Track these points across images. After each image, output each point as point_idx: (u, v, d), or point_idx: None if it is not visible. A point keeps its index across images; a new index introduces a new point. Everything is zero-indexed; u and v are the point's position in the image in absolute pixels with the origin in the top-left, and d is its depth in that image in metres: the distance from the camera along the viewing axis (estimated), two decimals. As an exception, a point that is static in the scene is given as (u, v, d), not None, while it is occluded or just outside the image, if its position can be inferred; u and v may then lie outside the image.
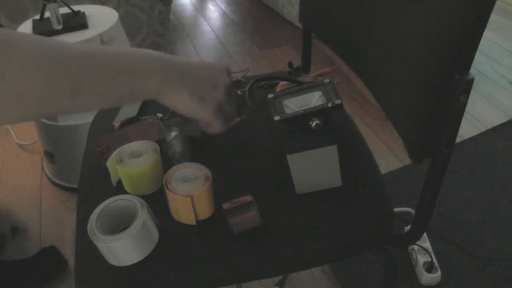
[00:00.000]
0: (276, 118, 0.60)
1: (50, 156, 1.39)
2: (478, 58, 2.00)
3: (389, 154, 1.51)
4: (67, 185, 1.43)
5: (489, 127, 1.58)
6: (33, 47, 0.39)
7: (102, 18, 1.30)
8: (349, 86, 1.84)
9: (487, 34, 2.19)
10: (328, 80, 0.65)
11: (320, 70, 0.86)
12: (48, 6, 1.16)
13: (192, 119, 0.54)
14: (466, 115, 1.65)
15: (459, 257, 1.14)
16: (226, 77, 0.54)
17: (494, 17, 2.32)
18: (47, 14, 1.26)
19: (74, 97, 0.41)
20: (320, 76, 0.84)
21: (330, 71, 0.86)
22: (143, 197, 0.61)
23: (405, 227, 1.19)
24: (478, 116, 1.64)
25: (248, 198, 0.61)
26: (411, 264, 1.13)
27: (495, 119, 1.63)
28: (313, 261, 0.61)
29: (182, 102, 0.49)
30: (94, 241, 0.54)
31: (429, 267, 1.07)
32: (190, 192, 0.58)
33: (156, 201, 0.65)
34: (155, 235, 0.60)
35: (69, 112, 0.43)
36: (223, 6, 2.67)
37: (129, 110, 0.84)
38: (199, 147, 0.75)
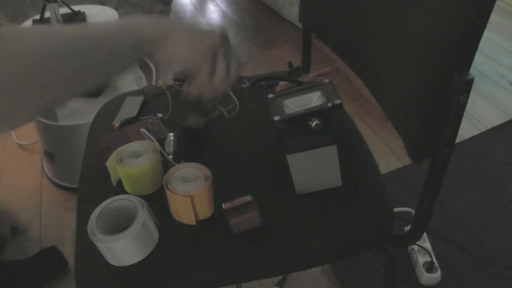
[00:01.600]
0: (276, 118, 0.60)
1: (50, 156, 1.39)
2: (478, 58, 1.99)
3: (389, 154, 1.51)
4: (67, 185, 1.43)
5: (489, 127, 1.58)
6: (39, 39, 0.44)
7: (102, 18, 1.30)
8: (349, 86, 1.84)
9: (487, 34, 2.18)
10: (328, 80, 0.65)
11: (320, 70, 0.86)
12: (48, 6, 1.16)
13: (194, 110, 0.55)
14: (466, 115, 1.65)
15: (459, 257, 1.14)
16: (222, 34, 0.57)
17: (494, 17, 2.32)
18: (47, 14, 1.26)
19: (86, 69, 0.46)
20: (320, 76, 0.84)
21: (330, 71, 0.86)
22: (143, 197, 0.61)
23: (405, 227, 1.19)
24: (478, 116, 1.64)
25: (248, 198, 0.61)
26: (411, 264, 1.13)
27: (495, 119, 1.62)
28: (313, 261, 0.61)
29: (176, 50, 0.53)
30: (94, 241, 0.54)
31: (429, 267, 1.07)
32: (190, 192, 0.58)
33: (156, 201, 0.65)
34: (155, 235, 0.60)
35: (91, 80, 0.47)
36: (223, 6, 2.67)
37: (129, 110, 0.84)
38: (199, 144, 0.75)
